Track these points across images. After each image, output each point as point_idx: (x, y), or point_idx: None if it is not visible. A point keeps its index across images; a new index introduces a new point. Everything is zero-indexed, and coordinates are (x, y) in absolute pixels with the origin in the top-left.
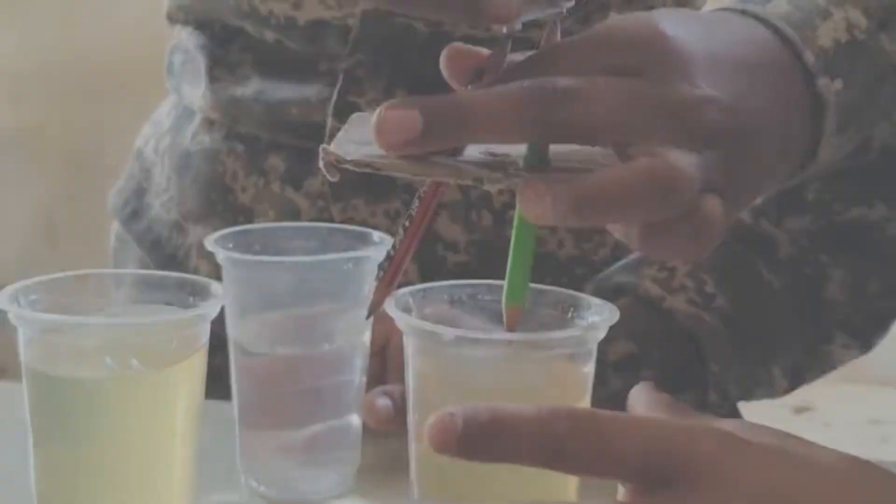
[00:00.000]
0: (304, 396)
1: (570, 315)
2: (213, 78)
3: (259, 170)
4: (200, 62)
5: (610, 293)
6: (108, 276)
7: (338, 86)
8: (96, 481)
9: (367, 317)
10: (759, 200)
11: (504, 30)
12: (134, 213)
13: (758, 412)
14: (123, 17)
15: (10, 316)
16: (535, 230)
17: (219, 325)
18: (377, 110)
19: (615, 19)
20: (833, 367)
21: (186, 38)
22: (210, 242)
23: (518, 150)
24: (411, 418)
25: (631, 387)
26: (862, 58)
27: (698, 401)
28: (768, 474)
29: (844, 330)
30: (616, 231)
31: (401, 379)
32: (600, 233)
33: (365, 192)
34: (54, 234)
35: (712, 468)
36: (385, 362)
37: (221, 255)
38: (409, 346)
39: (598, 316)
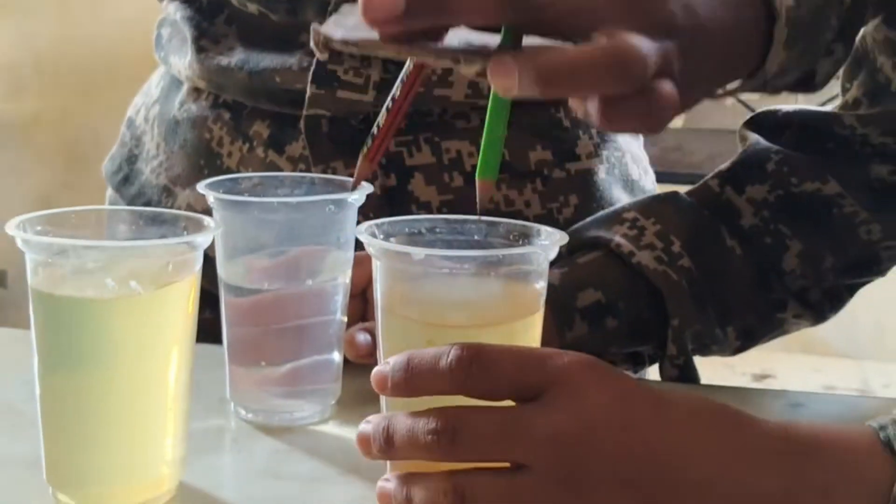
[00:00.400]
0: (289, 333)
1: (521, 242)
2: (199, 48)
3: (244, 135)
4: (187, 33)
5: (583, 245)
6: (108, 212)
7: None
8: (100, 401)
9: (353, 188)
10: (722, 92)
11: None
12: (125, 178)
13: (720, 377)
14: (118, 10)
15: (19, 241)
16: (508, 108)
17: (209, 281)
18: None
19: None
20: (784, 333)
21: (174, 11)
22: (202, 186)
23: (494, 41)
24: (380, 340)
25: (596, 334)
26: None
27: (658, 352)
28: (617, 392)
29: (799, 301)
30: (578, 109)
31: None
32: (565, 193)
33: (344, 154)
34: None
35: (571, 382)
36: (365, 304)
37: (212, 198)
38: (379, 268)
39: (548, 240)
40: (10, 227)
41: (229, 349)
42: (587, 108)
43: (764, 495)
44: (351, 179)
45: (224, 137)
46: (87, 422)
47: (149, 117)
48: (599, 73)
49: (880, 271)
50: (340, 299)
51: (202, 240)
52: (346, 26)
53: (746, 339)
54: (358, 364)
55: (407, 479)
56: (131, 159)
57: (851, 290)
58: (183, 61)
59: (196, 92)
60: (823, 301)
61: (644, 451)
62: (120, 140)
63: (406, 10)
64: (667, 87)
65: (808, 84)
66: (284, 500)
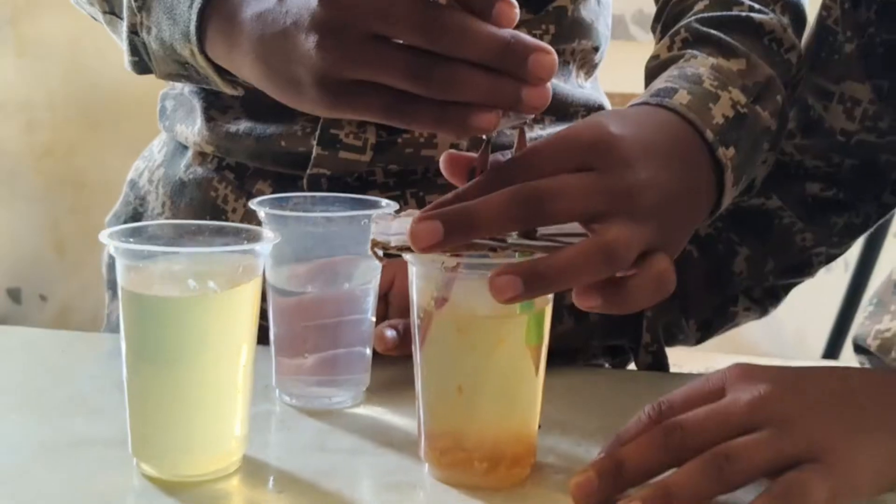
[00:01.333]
0: (327, 329)
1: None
2: (208, 118)
3: (248, 193)
4: (196, 104)
5: None
6: (180, 224)
7: (321, 122)
8: (181, 386)
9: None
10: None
11: (484, 136)
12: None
13: None
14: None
15: (112, 248)
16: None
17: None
18: (410, 225)
19: (572, 126)
20: (736, 325)
21: (181, 85)
22: (254, 203)
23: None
24: (415, 332)
25: (580, 326)
26: (745, 126)
27: (635, 341)
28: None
29: (747, 296)
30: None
31: (401, 316)
32: None
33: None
34: (61, 243)
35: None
36: (386, 306)
37: (263, 213)
38: (415, 273)
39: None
40: (103, 237)
41: (276, 343)
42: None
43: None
44: (379, 199)
45: (229, 195)
46: (170, 404)
47: (153, 179)
48: (587, 267)
49: (810, 273)
50: (371, 300)
51: (265, 247)
52: (388, 232)
53: (706, 331)
54: (385, 357)
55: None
56: (136, 217)
57: (786, 290)
58: (191, 129)
59: (202, 156)
60: (765, 298)
61: None
62: (123, 199)
63: (444, 237)
64: (660, 258)
65: (749, 192)
66: (332, 469)
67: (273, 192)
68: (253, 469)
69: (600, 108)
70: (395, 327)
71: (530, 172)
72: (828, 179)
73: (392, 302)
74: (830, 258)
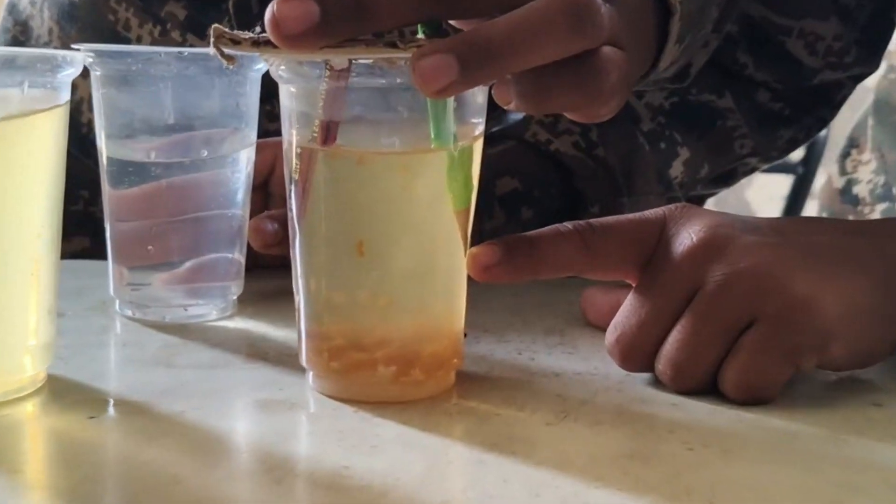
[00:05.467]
0: (184, 227)
1: None
2: None
3: (154, 16)
4: None
5: (497, 138)
6: None
7: None
8: None
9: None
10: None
11: None
12: None
13: None
14: None
15: None
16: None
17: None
18: (270, 5)
19: None
20: None
21: None
22: (84, 52)
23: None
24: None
25: (513, 221)
26: None
27: None
28: None
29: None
30: (502, 94)
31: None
32: None
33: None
34: None
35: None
36: (268, 197)
37: (91, 60)
38: (284, 95)
39: None
40: None
41: (113, 245)
42: (515, 91)
43: None
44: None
45: (131, 20)
46: None
47: (35, 1)
48: (556, 28)
49: (731, 184)
50: (242, 190)
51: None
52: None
53: None
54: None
55: None
56: (17, 46)
57: (703, 200)
58: None
59: None
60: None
61: None
62: (1, 27)
63: (322, 23)
64: (608, 49)
65: (682, 78)
66: (178, 385)
67: (188, 16)
68: (61, 390)
69: None
70: (276, 219)
71: None
72: (776, 93)
73: (274, 192)
74: (752, 171)
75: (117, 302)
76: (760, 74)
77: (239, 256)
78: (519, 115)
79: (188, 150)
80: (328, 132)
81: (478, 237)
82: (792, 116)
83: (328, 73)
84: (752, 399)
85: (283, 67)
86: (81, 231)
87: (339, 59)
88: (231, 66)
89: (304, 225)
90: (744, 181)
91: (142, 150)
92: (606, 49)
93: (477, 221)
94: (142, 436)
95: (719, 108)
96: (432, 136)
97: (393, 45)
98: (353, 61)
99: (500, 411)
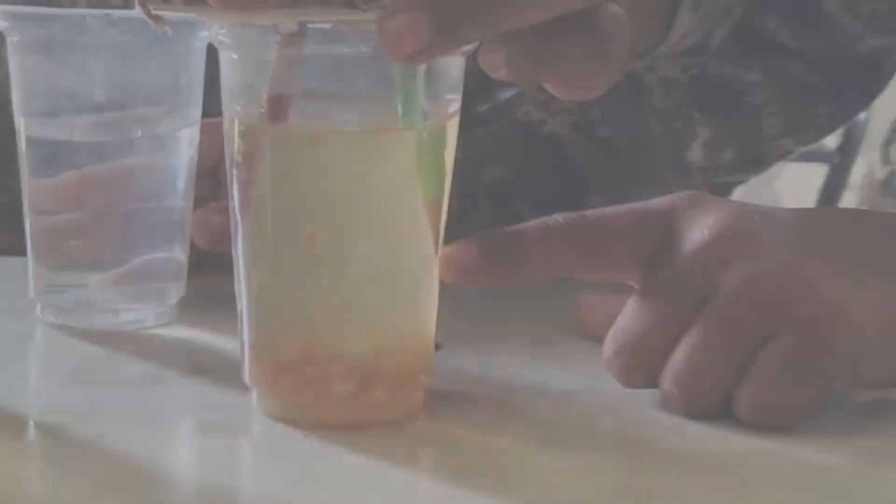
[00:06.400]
0: (114, 220)
1: None
2: None
3: None
4: None
5: (482, 119)
6: None
7: None
8: None
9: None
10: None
11: None
12: None
13: None
14: None
15: None
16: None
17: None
18: None
19: None
20: None
21: None
22: None
23: None
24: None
25: (501, 214)
26: None
27: None
28: None
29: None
30: (493, 61)
31: None
32: None
33: None
34: None
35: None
36: (217, 185)
37: (7, 25)
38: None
39: None
40: None
41: (33, 241)
42: (506, 55)
43: None
44: None
45: None
46: None
47: None
48: None
49: (763, 169)
50: (183, 178)
51: None
52: None
53: None
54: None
55: None
56: None
57: (730, 188)
58: None
59: None
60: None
61: None
62: None
63: None
64: (613, 6)
65: (700, 52)
66: (99, 406)
67: None
68: None
69: None
70: (225, 211)
71: None
72: (811, 64)
73: (224, 180)
74: (786, 154)
75: (38, 305)
76: (793, 41)
77: (179, 254)
78: (511, 92)
79: (120, 130)
80: (277, 108)
81: (461, 233)
82: (831, 90)
83: (278, 38)
84: (772, 424)
85: (223, 31)
86: (10, 226)
87: (288, 22)
88: (162, 30)
89: (249, 216)
90: (772, 171)
91: (65, 130)
92: (612, 5)
93: (460, 215)
94: (54, 466)
95: (745, 82)
96: (399, 113)
97: (351, 6)
98: (308, 25)
99: (476, 438)
